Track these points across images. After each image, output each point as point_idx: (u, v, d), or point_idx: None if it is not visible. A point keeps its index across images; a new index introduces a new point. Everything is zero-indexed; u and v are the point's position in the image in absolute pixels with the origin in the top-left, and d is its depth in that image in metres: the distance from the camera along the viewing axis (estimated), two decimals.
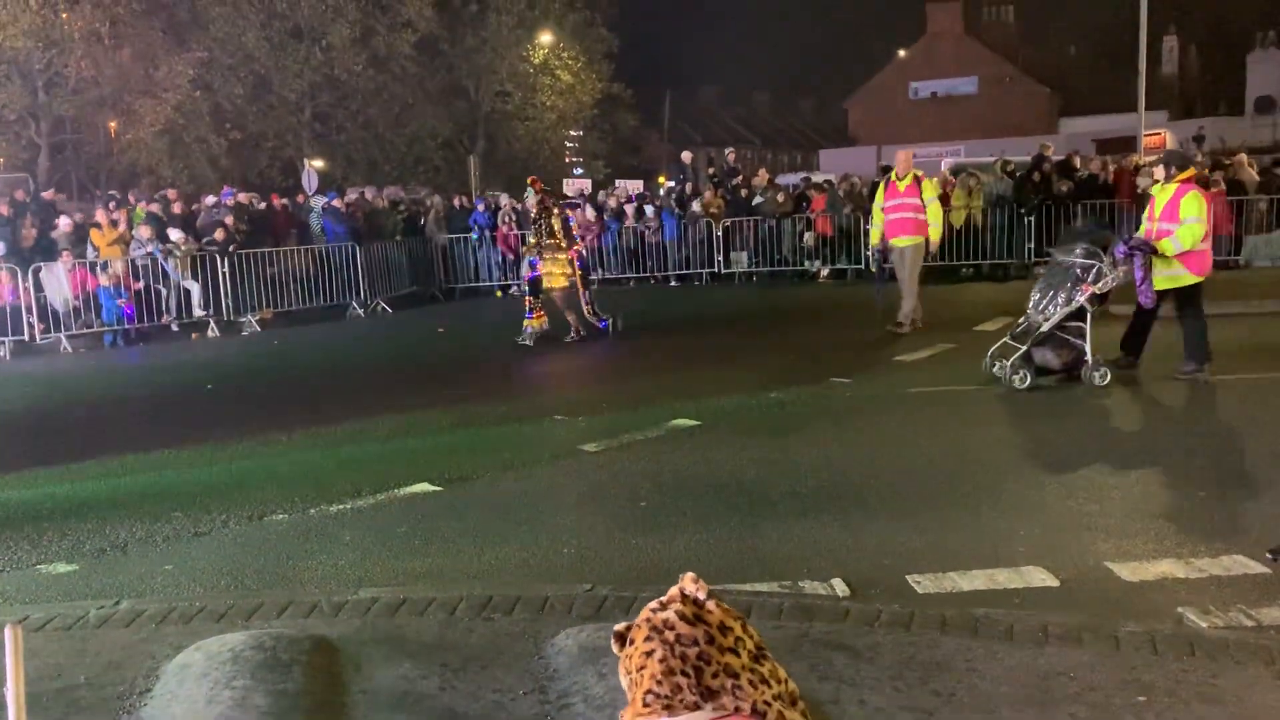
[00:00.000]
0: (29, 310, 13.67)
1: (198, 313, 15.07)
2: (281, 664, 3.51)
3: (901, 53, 57.50)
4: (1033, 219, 16.97)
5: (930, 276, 15.86)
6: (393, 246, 18.21)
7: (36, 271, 13.88)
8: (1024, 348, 8.25)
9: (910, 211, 11.58)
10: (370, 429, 8.02)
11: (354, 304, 16.83)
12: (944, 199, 18.06)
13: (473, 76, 37.30)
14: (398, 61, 33.40)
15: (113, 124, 31.49)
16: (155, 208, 16.28)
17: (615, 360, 11.06)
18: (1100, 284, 8.11)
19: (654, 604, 2.09)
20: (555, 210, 12.10)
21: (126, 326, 14.52)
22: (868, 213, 14.22)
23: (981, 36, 55.88)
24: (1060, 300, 8.21)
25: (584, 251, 13.27)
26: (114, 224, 15.25)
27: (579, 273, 11.99)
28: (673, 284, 18.60)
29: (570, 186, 27.86)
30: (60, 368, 12.75)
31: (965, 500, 5.58)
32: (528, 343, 11.81)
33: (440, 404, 9.15)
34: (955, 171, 20.66)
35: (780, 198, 18.88)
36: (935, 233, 11.71)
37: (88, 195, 28.94)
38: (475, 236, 18.88)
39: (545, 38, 38.56)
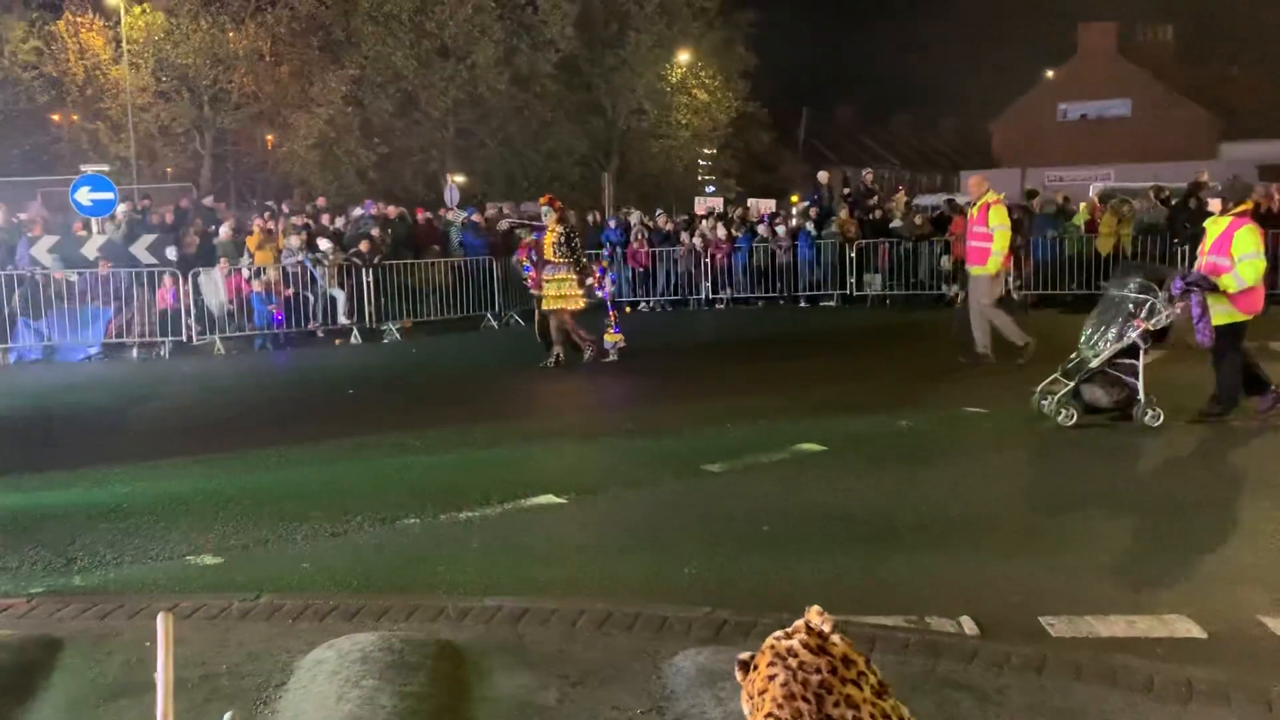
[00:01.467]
0: (187, 313, 14.48)
1: (342, 320, 15.68)
2: (408, 666, 3.61)
3: (1050, 73, 55.68)
4: (1186, 249, 16.15)
5: (1075, 305, 15.33)
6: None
7: (195, 276, 14.69)
8: (1071, 384, 7.87)
9: (977, 240, 10.98)
10: (500, 437, 8.19)
11: (489, 315, 17.26)
12: (1091, 225, 17.46)
13: (610, 95, 37.89)
14: (539, 80, 34.19)
15: (270, 137, 33.25)
16: (299, 220, 17.04)
17: (740, 380, 11.00)
18: (1154, 320, 7.65)
19: (779, 633, 2.08)
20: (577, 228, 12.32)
21: (276, 331, 15.23)
22: None
23: (1136, 56, 53.60)
24: (1111, 336, 7.79)
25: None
26: (268, 233, 16.03)
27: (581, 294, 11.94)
28: (802, 304, 18.43)
29: (701, 205, 27.91)
30: (214, 368, 13.45)
31: (1104, 540, 5.34)
32: (615, 357, 12.05)
33: (565, 415, 9.30)
34: (1105, 197, 19.82)
35: (918, 220, 18.50)
36: (993, 263, 10.75)
37: (244, 204, 30.61)
38: (605, 253, 19.06)
39: (683, 56, 38.86)
